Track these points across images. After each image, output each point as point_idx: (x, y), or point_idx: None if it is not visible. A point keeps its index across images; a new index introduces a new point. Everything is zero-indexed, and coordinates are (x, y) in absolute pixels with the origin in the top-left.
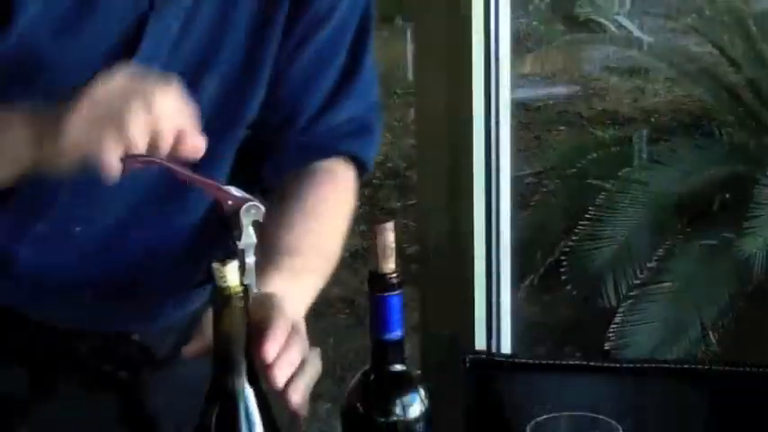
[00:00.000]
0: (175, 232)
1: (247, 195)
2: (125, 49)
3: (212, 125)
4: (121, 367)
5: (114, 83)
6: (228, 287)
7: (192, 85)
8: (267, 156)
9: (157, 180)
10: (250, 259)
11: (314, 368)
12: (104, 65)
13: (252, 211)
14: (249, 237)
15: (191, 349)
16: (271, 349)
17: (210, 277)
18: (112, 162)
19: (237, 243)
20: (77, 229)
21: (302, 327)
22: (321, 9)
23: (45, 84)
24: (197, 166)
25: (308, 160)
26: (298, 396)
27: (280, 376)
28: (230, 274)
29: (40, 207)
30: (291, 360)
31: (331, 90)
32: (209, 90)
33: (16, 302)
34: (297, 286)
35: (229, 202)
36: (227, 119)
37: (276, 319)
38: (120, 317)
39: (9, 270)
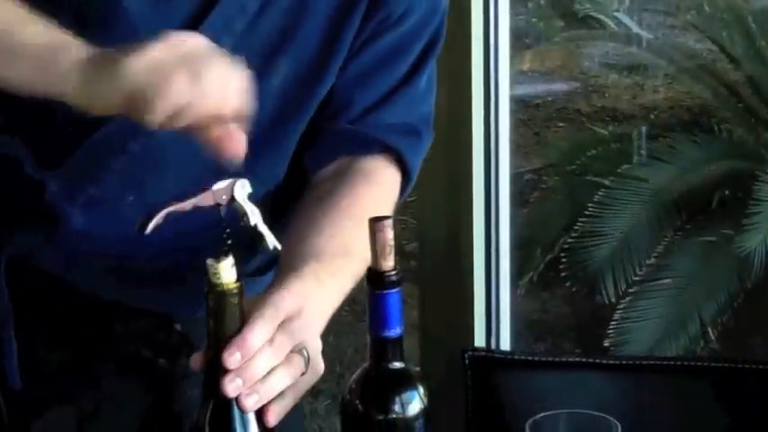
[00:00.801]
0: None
1: (228, 180)
2: (196, 20)
3: (282, 109)
4: (161, 355)
5: (187, 43)
6: (222, 284)
7: (266, 67)
8: (311, 144)
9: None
10: (263, 227)
11: (301, 383)
12: (191, 13)
13: (243, 188)
14: (252, 209)
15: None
16: (227, 356)
17: (269, 266)
18: (154, 118)
19: (249, 221)
20: (131, 197)
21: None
22: (395, 12)
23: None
24: (263, 152)
25: (351, 151)
26: (270, 416)
27: (228, 388)
28: (224, 271)
29: (94, 169)
30: (253, 373)
31: (386, 92)
32: (282, 73)
33: (64, 270)
34: (319, 294)
35: (224, 197)
36: (297, 104)
37: (254, 318)
38: (165, 297)
39: (60, 233)
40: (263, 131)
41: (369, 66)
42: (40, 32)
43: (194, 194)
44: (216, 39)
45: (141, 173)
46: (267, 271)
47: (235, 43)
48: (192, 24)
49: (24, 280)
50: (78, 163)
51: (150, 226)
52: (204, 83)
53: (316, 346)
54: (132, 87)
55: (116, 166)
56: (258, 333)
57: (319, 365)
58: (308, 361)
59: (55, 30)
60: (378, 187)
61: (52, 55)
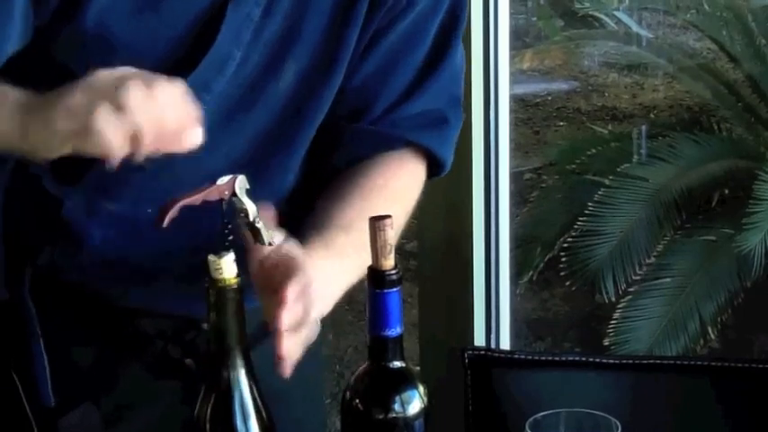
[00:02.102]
0: None
1: (229, 176)
2: (202, 35)
3: (291, 111)
4: (188, 354)
5: (111, 72)
6: (223, 279)
7: (273, 71)
8: (337, 145)
9: (234, 164)
10: (260, 223)
11: (311, 332)
12: (180, 49)
13: (241, 183)
14: (250, 205)
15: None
16: (284, 316)
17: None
18: (112, 140)
19: (249, 217)
20: (148, 210)
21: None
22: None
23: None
24: (275, 154)
25: (376, 150)
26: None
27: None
28: (225, 267)
29: (112, 186)
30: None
31: (409, 82)
32: (289, 76)
33: (87, 280)
34: (340, 264)
35: (226, 192)
36: (305, 107)
37: (292, 281)
38: (187, 300)
39: (82, 247)
40: (273, 134)
41: (386, 60)
42: None
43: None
44: (228, 52)
45: (158, 187)
46: None
47: (244, 53)
48: (199, 37)
49: (48, 290)
50: (95, 179)
51: (166, 220)
52: (154, 93)
53: (322, 311)
54: (71, 126)
55: (133, 181)
56: (292, 293)
57: (317, 328)
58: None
59: None
60: (409, 173)
61: None
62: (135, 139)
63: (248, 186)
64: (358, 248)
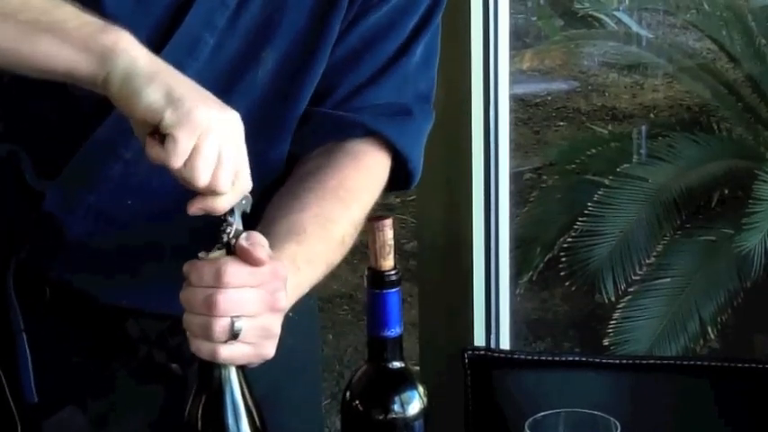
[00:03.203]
0: None
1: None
2: (174, 18)
3: (271, 99)
4: (174, 360)
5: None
6: None
7: (251, 60)
8: (297, 129)
9: None
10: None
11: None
12: (154, 32)
13: (243, 202)
14: (239, 225)
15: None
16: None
17: None
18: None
19: (229, 235)
20: (128, 202)
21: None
22: None
23: None
24: (256, 143)
25: (334, 136)
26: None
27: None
28: None
29: (90, 177)
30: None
31: (374, 72)
32: (269, 65)
33: (71, 276)
34: (292, 279)
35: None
36: (288, 93)
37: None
38: (171, 298)
39: (63, 241)
40: (253, 123)
41: (356, 47)
42: (77, 14)
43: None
44: (197, 35)
45: (138, 178)
46: None
47: (218, 39)
48: (172, 21)
49: (33, 289)
50: (74, 172)
51: None
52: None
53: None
54: (148, 107)
55: (111, 173)
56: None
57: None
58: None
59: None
60: (366, 171)
61: (92, 37)
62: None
63: (248, 210)
64: (310, 260)
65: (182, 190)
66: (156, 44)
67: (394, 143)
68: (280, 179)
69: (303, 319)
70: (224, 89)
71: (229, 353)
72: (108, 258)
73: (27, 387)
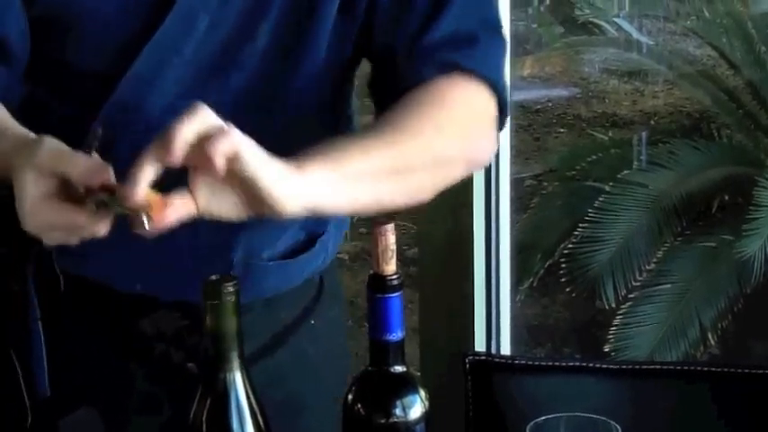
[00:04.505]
0: None
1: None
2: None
3: (270, 72)
4: (191, 359)
5: None
6: (218, 281)
7: (248, 33)
8: (377, 85)
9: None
10: None
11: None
12: (147, 13)
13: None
14: None
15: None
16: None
17: (300, 250)
18: None
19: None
20: None
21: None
22: None
23: (89, 35)
24: (263, 112)
25: (411, 80)
26: None
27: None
28: None
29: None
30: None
31: (428, 6)
32: (265, 36)
33: (86, 263)
34: (336, 174)
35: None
36: (286, 65)
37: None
38: (191, 286)
39: None
40: (254, 95)
41: None
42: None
43: None
44: (192, 12)
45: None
46: (298, 255)
47: (212, 16)
48: (165, 2)
49: (49, 282)
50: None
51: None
52: None
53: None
54: None
55: (116, 156)
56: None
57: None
58: None
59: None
60: (447, 108)
61: None
62: None
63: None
64: (372, 173)
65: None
66: (152, 23)
67: (472, 69)
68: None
69: (324, 327)
70: (222, 64)
71: None
72: (123, 243)
73: (40, 380)
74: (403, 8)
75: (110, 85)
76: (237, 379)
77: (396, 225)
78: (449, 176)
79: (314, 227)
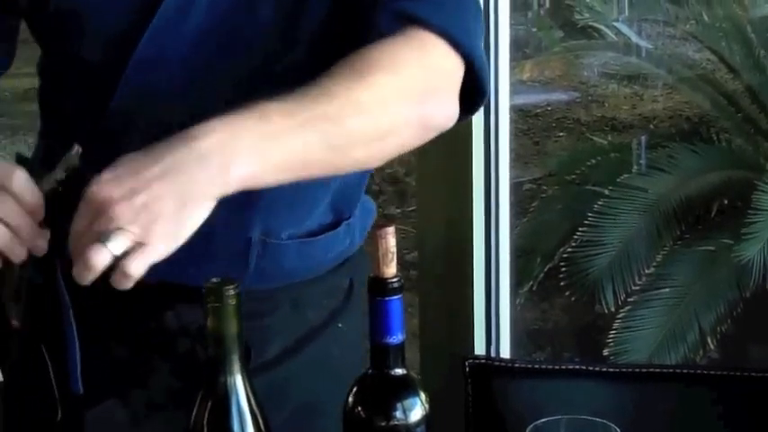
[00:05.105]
0: None
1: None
2: None
3: (272, 46)
4: None
5: None
6: (220, 284)
7: (247, 7)
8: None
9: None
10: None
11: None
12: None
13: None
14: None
15: None
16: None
17: (323, 229)
18: None
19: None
20: None
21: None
22: None
23: (95, 26)
24: (265, 92)
25: (369, 32)
26: None
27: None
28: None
29: (113, 149)
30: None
31: None
32: (265, 11)
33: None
34: (258, 128)
35: None
36: (286, 38)
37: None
38: (207, 264)
39: None
40: (255, 71)
41: None
42: None
43: None
44: None
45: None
46: (320, 234)
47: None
48: None
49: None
50: (100, 155)
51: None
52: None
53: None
54: None
55: (134, 143)
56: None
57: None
58: None
59: None
60: (394, 71)
61: None
62: None
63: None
64: (291, 113)
65: None
66: (152, 3)
67: (422, 18)
68: None
69: (351, 330)
70: (224, 41)
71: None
72: None
73: (73, 377)
74: None
75: (118, 73)
76: (238, 382)
77: (395, 229)
78: (398, 144)
79: (342, 209)
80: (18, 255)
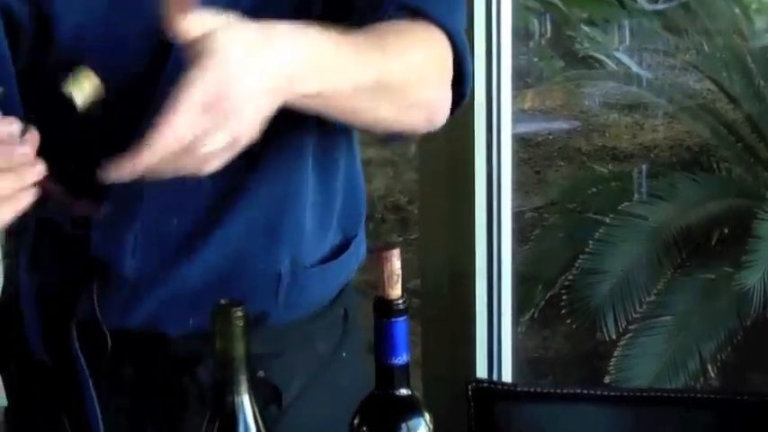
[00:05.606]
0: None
1: None
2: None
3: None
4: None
5: None
6: (228, 305)
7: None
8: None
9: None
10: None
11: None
12: (152, 38)
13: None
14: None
15: None
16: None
17: (339, 252)
18: None
19: None
20: (175, 221)
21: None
22: None
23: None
24: None
25: (372, 20)
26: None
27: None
28: None
29: (131, 203)
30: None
31: None
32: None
33: (134, 316)
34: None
35: None
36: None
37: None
38: None
39: (120, 282)
40: None
41: None
42: None
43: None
44: None
45: (177, 191)
46: (335, 257)
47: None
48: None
49: (95, 341)
50: (113, 204)
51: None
52: None
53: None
54: None
55: (151, 191)
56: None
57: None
58: None
59: None
60: (416, 32)
61: None
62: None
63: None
64: (368, 48)
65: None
66: (158, 51)
67: (428, 13)
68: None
69: (353, 357)
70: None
71: None
72: (165, 286)
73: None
74: None
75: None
76: (245, 402)
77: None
78: (411, 122)
79: (349, 228)
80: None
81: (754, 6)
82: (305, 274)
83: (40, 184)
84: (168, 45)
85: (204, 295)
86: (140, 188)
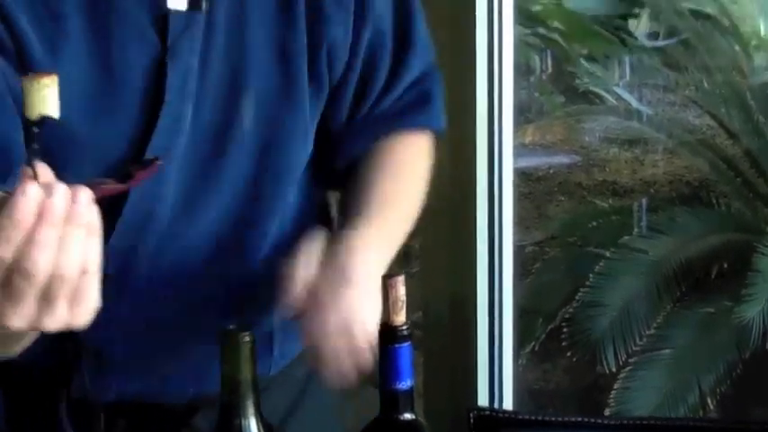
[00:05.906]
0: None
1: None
2: (153, 100)
3: (268, 145)
4: None
5: None
6: (236, 330)
7: (231, 113)
8: (335, 148)
9: (225, 218)
10: None
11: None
12: (135, 123)
13: None
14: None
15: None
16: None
17: None
18: None
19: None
20: (167, 293)
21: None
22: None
23: (78, 157)
24: (267, 190)
25: (376, 138)
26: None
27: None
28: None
29: (117, 290)
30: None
31: (391, 64)
32: (250, 113)
33: (127, 387)
34: (387, 237)
35: None
36: (275, 134)
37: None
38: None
39: (109, 361)
40: (258, 172)
41: (369, 56)
42: None
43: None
44: (179, 111)
45: (166, 264)
46: None
47: (195, 106)
48: (154, 104)
49: (87, 418)
50: (124, 228)
51: None
52: None
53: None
54: None
55: (161, 213)
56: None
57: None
58: None
59: None
60: (411, 148)
61: None
62: None
63: None
64: (399, 220)
65: (211, 242)
66: (140, 135)
67: (421, 125)
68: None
69: (319, 415)
70: (212, 153)
71: None
72: (171, 350)
73: None
74: (366, 85)
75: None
76: (252, 425)
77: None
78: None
79: None
80: None
81: (753, 43)
82: (294, 324)
83: None
84: (150, 125)
85: (204, 360)
86: (126, 279)
